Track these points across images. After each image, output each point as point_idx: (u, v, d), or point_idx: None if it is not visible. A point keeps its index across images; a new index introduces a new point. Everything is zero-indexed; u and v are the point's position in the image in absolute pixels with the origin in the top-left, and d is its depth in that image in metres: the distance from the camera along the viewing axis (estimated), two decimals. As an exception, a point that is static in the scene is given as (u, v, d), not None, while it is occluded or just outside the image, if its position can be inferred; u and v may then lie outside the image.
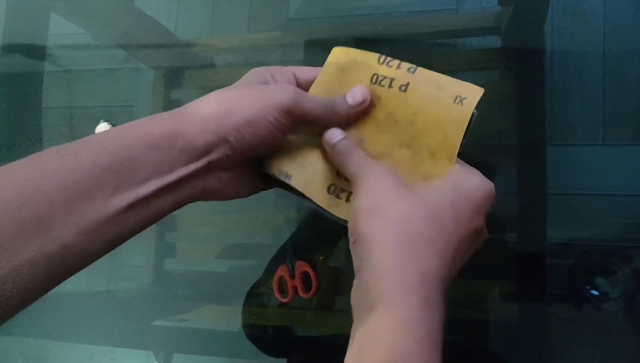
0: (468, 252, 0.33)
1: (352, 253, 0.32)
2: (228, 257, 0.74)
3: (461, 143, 0.34)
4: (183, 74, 0.77)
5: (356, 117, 0.36)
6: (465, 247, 0.32)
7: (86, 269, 0.29)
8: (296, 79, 0.38)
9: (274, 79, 0.37)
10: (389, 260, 0.29)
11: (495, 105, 0.64)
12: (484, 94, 0.34)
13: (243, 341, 0.68)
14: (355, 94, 0.36)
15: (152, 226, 0.32)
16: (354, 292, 0.31)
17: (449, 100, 0.34)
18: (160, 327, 0.73)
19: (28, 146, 0.79)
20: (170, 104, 0.77)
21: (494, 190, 0.33)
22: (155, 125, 0.32)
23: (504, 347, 0.62)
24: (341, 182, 0.36)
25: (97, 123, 0.75)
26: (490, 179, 0.34)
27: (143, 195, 0.30)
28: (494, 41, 0.68)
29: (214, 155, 0.32)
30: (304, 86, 0.38)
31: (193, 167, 0.32)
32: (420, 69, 0.36)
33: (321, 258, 0.67)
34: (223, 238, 0.75)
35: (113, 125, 0.73)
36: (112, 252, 0.30)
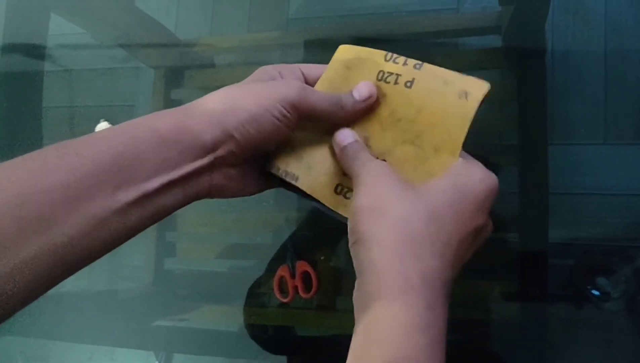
0: (470, 250, 0.33)
1: (352, 254, 0.31)
2: (228, 256, 0.74)
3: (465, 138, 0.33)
4: (183, 73, 0.77)
5: (362, 114, 0.36)
6: (467, 246, 0.32)
7: (86, 269, 0.29)
8: (304, 76, 0.38)
9: (281, 76, 0.37)
10: (390, 262, 0.29)
11: (496, 105, 0.64)
12: (489, 92, 0.33)
13: (243, 341, 0.68)
14: (361, 90, 0.35)
15: (153, 225, 0.32)
16: (355, 293, 0.31)
17: (454, 95, 0.34)
18: (161, 327, 0.73)
19: (28, 146, 0.79)
20: (170, 104, 0.77)
21: (496, 184, 0.33)
22: (161, 121, 0.31)
23: (504, 347, 0.62)
24: (348, 181, 0.35)
25: (97, 123, 0.75)
26: None
27: (148, 191, 0.30)
28: (495, 41, 0.68)
29: (219, 152, 0.32)
30: (312, 83, 0.38)
31: (199, 163, 0.32)
32: (426, 65, 0.36)
33: (322, 258, 0.67)
34: (223, 238, 0.74)
35: (113, 125, 0.73)
36: (112, 251, 0.30)
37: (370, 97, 0.35)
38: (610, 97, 0.62)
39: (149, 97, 0.78)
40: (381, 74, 0.36)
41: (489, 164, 0.34)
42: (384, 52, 0.37)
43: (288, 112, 0.33)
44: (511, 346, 0.61)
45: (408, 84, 0.35)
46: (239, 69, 0.78)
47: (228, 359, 0.71)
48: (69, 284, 0.29)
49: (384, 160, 0.35)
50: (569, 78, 0.63)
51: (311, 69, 0.38)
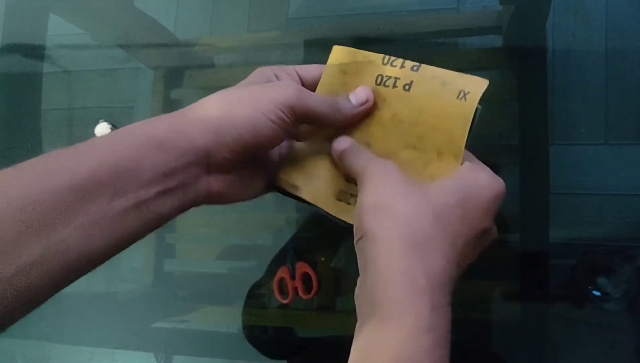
0: (475, 253, 0.32)
1: (357, 251, 0.31)
2: (228, 258, 0.74)
3: (467, 139, 0.33)
4: (183, 74, 0.77)
5: (361, 118, 0.36)
6: (472, 248, 0.32)
7: (86, 270, 0.29)
8: (300, 78, 0.38)
9: (277, 78, 0.36)
10: (395, 262, 0.29)
11: (496, 104, 0.64)
12: (488, 90, 0.33)
13: (243, 342, 0.68)
14: (358, 94, 0.35)
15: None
16: (358, 290, 0.31)
17: (453, 96, 0.34)
18: (161, 329, 0.73)
19: (28, 147, 0.79)
20: (170, 104, 0.77)
21: (503, 189, 0.32)
22: (159, 125, 0.31)
23: (505, 347, 0.62)
24: (350, 187, 0.35)
25: (97, 123, 0.74)
26: None
27: (147, 197, 0.30)
28: (496, 40, 0.67)
29: (213, 157, 0.32)
30: (308, 84, 0.38)
31: (195, 169, 0.32)
32: (424, 66, 0.35)
33: (322, 259, 0.67)
34: (223, 240, 0.74)
35: (113, 125, 0.73)
36: (113, 255, 0.30)
37: (367, 101, 0.35)
38: (611, 96, 0.62)
39: (149, 97, 0.78)
40: (380, 78, 0.36)
41: (488, 165, 0.33)
42: (381, 56, 0.37)
43: (285, 114, 0.33)
44: (512, 346, 0.61)
45: (407, 87, 0.35)
46: (238, 69, 0.77)
47: (228, 360, 0.71)
48: (69, 286, 0.29)
49: None
50: (570, 78, 0.63)
51: (307, 69, 0.38)
